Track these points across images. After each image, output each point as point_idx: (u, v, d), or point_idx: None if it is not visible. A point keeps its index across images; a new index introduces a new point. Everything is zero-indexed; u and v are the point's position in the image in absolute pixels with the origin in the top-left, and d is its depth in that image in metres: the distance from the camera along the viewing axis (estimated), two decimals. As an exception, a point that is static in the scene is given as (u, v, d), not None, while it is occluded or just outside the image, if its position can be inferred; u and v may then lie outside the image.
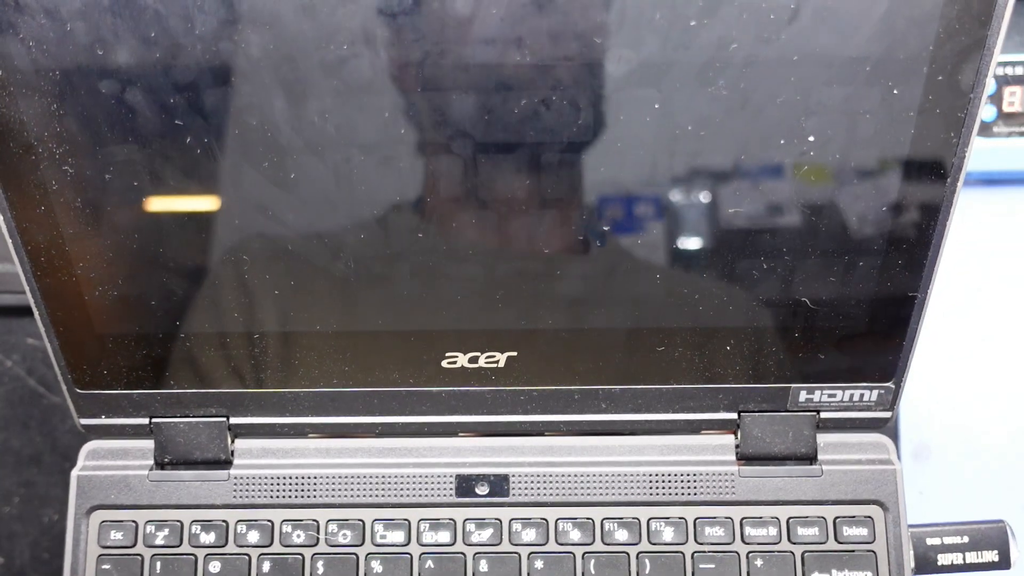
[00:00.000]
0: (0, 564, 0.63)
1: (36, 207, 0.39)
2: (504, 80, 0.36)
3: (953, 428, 0.62)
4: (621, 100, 0.37)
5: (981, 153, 0.59)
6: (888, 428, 0.45)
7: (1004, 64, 0.59)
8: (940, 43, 0.35)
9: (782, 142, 0.38)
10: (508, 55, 0.35)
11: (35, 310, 0.41)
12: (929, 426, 0.62)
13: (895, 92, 0.36)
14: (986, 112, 0.60)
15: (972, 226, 0.62)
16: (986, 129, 0.60)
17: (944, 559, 0.44)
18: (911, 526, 0.44)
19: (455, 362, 0.43)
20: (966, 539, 0.44)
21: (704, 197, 0.39)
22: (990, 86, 0.36)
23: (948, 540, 0.44)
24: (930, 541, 0.44)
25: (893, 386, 0.43)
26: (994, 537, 0.44)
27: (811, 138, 0.37)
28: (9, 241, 0.40)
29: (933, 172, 0.38)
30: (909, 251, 0.40)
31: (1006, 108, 0.60)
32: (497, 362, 0.43)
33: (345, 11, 0.35)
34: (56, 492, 0.63)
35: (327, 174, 0.38)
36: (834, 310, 0.41)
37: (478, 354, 0.43)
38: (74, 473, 0.45)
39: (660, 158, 0.38)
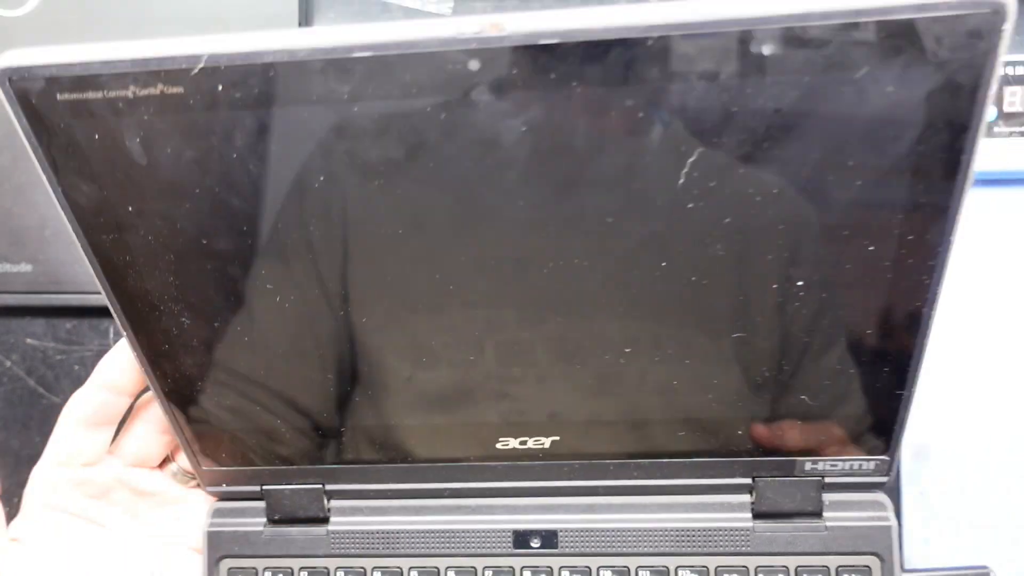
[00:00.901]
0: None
1: (161, 346, 0.48)
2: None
3: (953, 428, 0.64)
4: None
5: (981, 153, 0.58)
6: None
7: (1005, 64, 0.58)
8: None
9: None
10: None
11: (167, 417, 0.51)
12: (929, 426, 0.64)
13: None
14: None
15: (972, 226, 0.61)
16: (986, 129, 0.58)
17: (932, 602, 0.51)
18: (905, 570, 0.51)
19: (507, 444, 0.51)
20: (953, 583, 0.51)
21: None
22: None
23: (937, 585, 0.51)
24: (921, 586, 0.51)
25: (888, 458, 0.50)
26: (979, 582, 0.51)
27: (800, 283, 0.43)
28: (141, 369, 0.49)
29: (913, 309, 0.43)
30: (895, 361, 0.45)
31: (1006, 108, 0.61)
32: (543, 444, 0.51)
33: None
34: (56, 492, 0.67)
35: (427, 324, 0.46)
36: (836, 403, 0.48)
37: (527, 439, 0.51)
38: (204, 529, 0.56)
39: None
